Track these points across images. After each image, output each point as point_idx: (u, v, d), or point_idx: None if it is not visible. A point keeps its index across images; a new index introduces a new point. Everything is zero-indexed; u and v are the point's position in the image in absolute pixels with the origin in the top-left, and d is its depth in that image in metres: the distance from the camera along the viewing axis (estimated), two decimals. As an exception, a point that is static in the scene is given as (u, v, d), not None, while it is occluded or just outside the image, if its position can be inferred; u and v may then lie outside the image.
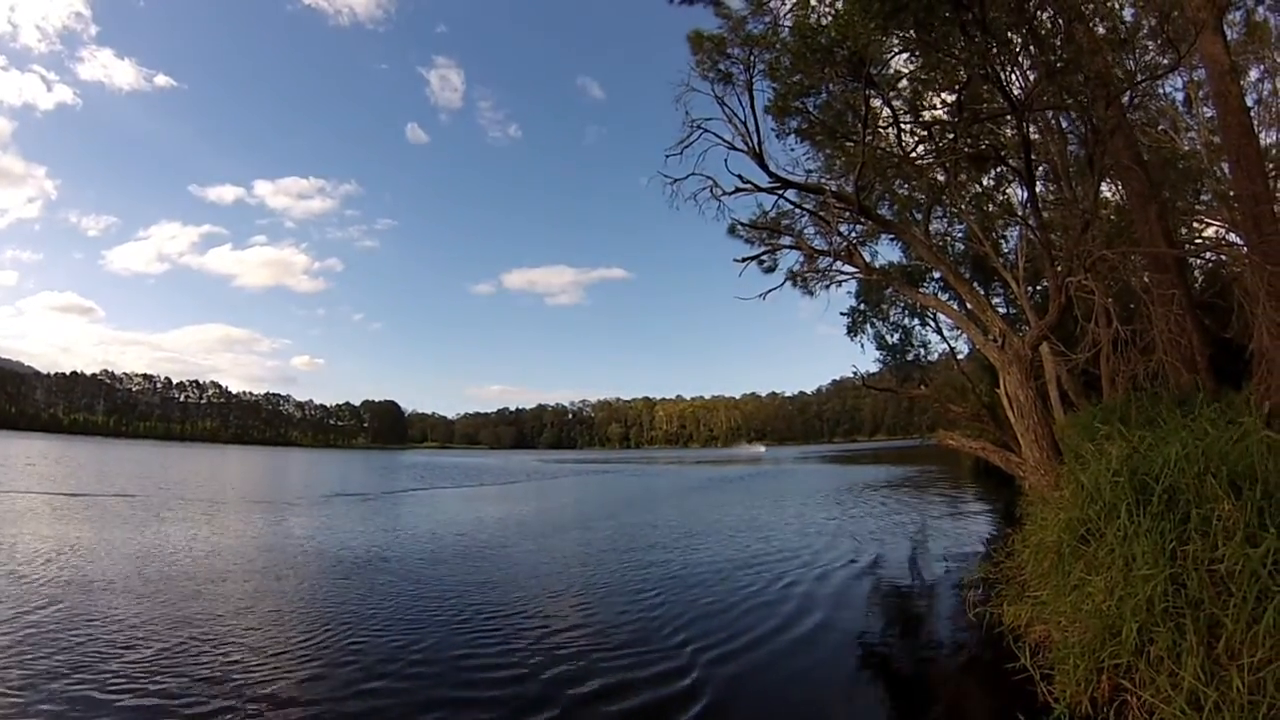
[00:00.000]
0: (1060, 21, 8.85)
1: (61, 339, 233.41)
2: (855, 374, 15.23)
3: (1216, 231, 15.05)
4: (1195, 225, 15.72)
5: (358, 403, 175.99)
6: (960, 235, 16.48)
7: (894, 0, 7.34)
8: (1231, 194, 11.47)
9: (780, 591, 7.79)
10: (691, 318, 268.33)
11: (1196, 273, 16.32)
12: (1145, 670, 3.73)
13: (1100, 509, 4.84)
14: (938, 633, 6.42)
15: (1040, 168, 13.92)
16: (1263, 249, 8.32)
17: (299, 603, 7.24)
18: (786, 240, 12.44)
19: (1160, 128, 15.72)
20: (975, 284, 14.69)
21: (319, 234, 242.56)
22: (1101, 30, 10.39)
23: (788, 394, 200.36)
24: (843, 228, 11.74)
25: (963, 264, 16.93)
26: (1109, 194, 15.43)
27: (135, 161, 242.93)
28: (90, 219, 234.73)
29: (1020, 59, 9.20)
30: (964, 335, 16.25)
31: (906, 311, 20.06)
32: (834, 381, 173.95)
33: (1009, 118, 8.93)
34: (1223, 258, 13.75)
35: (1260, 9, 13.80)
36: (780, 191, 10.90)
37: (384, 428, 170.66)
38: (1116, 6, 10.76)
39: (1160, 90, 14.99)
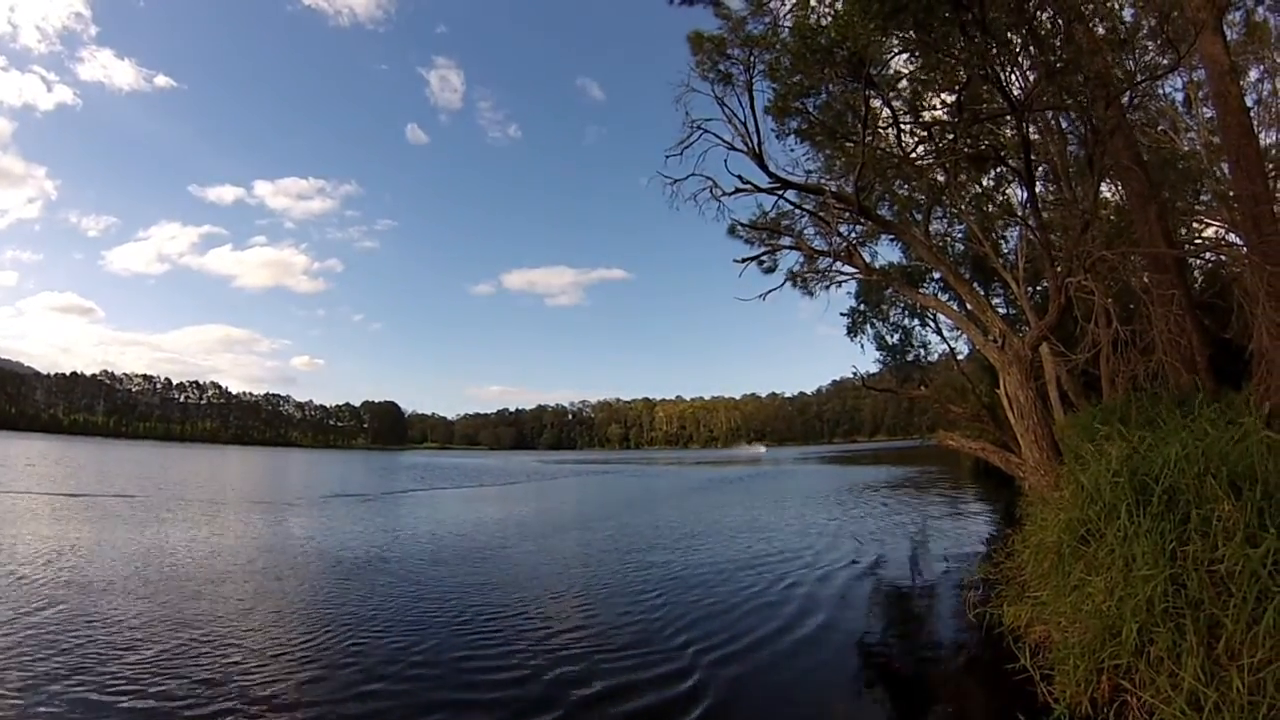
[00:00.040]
0: (1060, 22, 8.85)
1: (61, 339, 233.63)
2: (855, 374, 15.26)
3: (1216, 232, 15.04)
4: (1195, 225, 15.71)
5: (358, 403, 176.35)
6: (960, 236, 16.49)
7: (894, 1, 7.35)
8: (1231, 194, 11.47)
9: (782, 592, 7.79)
10: (691, 318, 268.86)
11: (1196, 273, 16.31)
12: (1145, 671, 3.73)
13: (1100, 509, 4.84)
14: (938, 633, 6.42)
15: (1040, 168, 13.90)
16: (1262, 249, 8.32)
17: (299, 604, 7.25)
18: (786, 241, 12.45)
19: (1160, 128, 15.72)
20: (975, 284, 14.71)
21: (319, 234, 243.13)
22: (1101, 30, 10.39)
23: (788, 394, 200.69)
24: (842, 228, 11.74)
25: (963, 264, 16.93)
26: (1109, 194, 15.43)
27: (135, 162, 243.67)
28: (90, 219, 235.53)
29: (1020, 59, 9.20)
30: (964, 336, 16.29)
31: (906, 312, 20.10)
32: (834, 382, 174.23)
33: (1009, 118, 8.93)
34: (1222, 258, 13.75)
35: (1260, 9, 13.81)
36: (780, 192, 10.91)
37: (384, 428, 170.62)
38: (1116, 7, 10.76)
39: (1160, 91, 14.99)
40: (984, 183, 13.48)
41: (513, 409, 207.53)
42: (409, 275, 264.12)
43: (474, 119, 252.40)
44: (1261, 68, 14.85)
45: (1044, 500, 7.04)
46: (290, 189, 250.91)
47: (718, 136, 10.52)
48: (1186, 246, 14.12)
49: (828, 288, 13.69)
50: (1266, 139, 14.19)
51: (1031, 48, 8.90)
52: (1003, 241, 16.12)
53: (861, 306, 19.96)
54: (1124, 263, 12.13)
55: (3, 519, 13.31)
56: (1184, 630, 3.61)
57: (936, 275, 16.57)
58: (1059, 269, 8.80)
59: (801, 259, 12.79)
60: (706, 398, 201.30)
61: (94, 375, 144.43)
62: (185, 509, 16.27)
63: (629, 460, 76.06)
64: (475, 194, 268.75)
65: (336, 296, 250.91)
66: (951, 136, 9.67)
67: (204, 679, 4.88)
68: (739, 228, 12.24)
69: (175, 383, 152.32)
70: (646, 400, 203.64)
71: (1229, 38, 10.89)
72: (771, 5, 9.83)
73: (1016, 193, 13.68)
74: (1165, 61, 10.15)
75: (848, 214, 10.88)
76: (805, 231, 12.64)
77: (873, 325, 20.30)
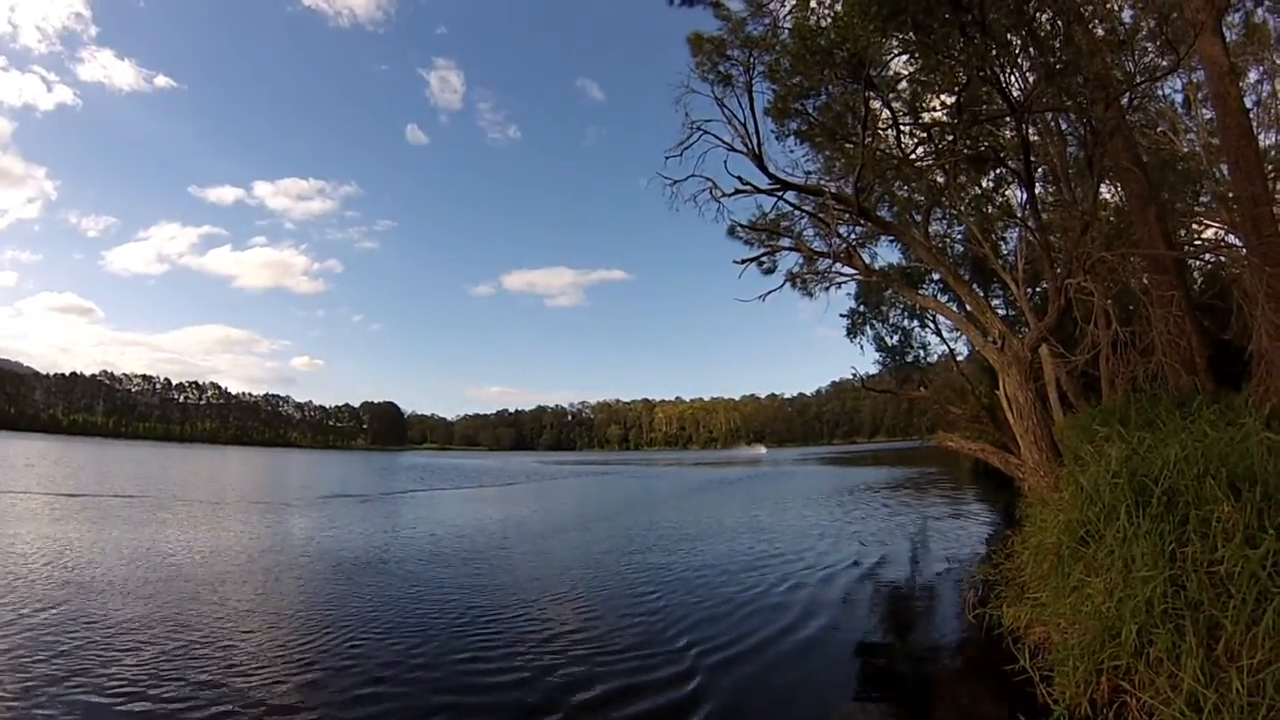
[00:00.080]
0: (1059, 23, 8.87)
1: (61, 339, 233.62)
2: (855, 376, 15.19)
3: (1215, 233, 15.05)
4: (1194, 227, 15.72)
5: (357, 404, 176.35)
6: (960, 237, 16.49)
7: (893, 2, 7.35)
8: (1230, 195, 11.48)
9: (783, 594, 7.79)
10: (691, 319, 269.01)
11: (1196, 274, 16.32)
12: (1145, 672, 3.73)
13: (1100, 511, 4.84)
14: (939, 634, 6.42)
15: (1039, 169, 13.92)
16: (1262, 250, 8.33)
17: (299, 605, 7.24)
18: (786, 242, 12.44)
19: (1159, 129, 15.73)
20: (975, 286, 14.71)
21: (319, 235, 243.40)
22: (1101, 32, 10.42)
23: (787, 396, 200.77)
24: (842, 229, 11.74)
25: (962, 266, 16.92)
26: (1108, 196, 15.43)
27: (135, 162, 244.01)
28: (90, 219, 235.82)
29: (1019, 61, 9.21)
30: (963, 337, 16.25)
31: (906, 313, 20.04)
32: (833, 383, 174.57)
33: (1008, 119, 8.94)
34: (1222, 259, 13.75)
35: (1259, 10, 13.83)
36: (780, 193, 10.91)
37: (383, 429, 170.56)
38: (1115, 8, 10.78)
39: (1159, 92, 15.00)
40: (983, 184, 13.48)
41: (512, 410, 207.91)
42: (409, 276, 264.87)
43: (474, 120, 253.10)
44: (1261, 69, 14.87)
45: (1043, 501, 7.04)
46: (290, 189, 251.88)
47: (717, 138, 10.53)
48: (1186, 248, 14.13)
49: (827, 289, 13.70)
50: (1266, 140, 14.21)
51: (1031, 49, 8.91)
52: (1002, 243, 16.14)
53: (861, 308, 19.92)
54: (1123, 264, 12.14)
55: (2, 519, 13.30)
56: (1183, 631, 3.60)
57: (936, 276, 16.55)
58: (1058, 270, 8.80)
59: (801, 260, 12.79)
60: (706, 399, 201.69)
61: (93, 375, 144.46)
62: (185, 509, 16.26)
63: (628, 461, 76.03)
64: (475, 195, 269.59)
65: (336, 297, 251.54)
66: (951, 138, 9.67)
67: (203, 681, 4.88)
68: (739, 229, 12.25)
69: (175, 383, 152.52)
70: (646, 401, 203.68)
71: (1228, 39, 10.89)
72: (771, 6, 9.86)
73: (1016, 194, 13.71)
74: (1165, 63, 10.16)
75: (847, 215, 10.88)
76: (805, 233, 12.64)
77: (872, 326, 20.26)
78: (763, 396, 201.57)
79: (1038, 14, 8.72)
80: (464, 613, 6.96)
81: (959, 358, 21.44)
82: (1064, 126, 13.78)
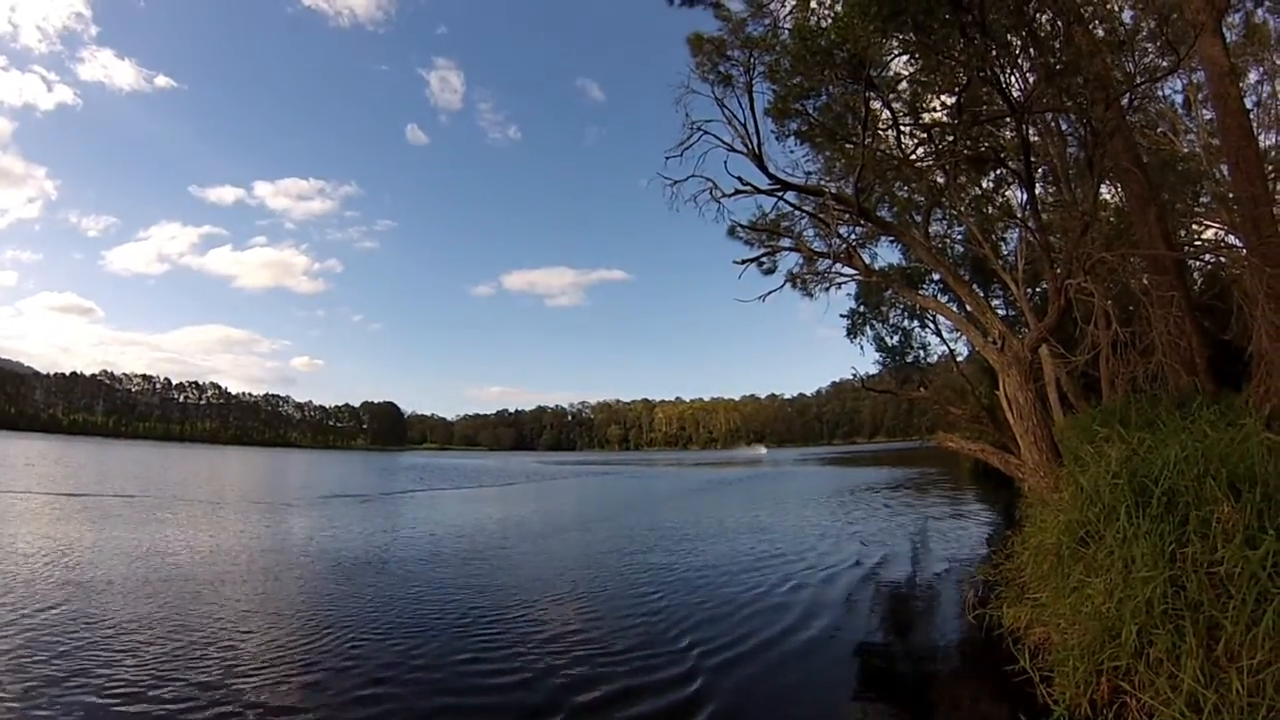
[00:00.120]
0: (1059, 24, 8.88)
1: (61, 339, 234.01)
2: (855, 376, 15.17)
3: (1216, 233, 15.06)
4: (1195, 227, 15.73)
5: (357, 404, 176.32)
6: (960, 237, 16.50)
7: (893, 2, 7.36)
8: (1231, 196, 11.48)
9: (784, 594, 7.79)
10: (691, 319, 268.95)
11: (1196, 275, 16.33)
12: (1145, 672, 3.73)
13: (1099, 511, 4.84)
14: (939, 635, 6.43)
15: (1040, 170, 13.92)
16: (1262, 251, 8.33)
17: (299, 605, 7.24)
18: (786, 242, 12.45)
19: (1159, 130, 15.74)
20: (975, 286, 14.71)
21: (319, 235, 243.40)
22: (1101, 32, 10.43)
23: (787, 396, 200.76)
24: (842, 230, 11.74)
25: (962, 266, 16.92)
26: (1108, 196, 15.45)
27: (135, 162, 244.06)
28: (90, 219, 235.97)
29: (1020, 61, 9.22)
30: (963, 337, 16.23)
31: (906, 314, 20.02)
32: (833, 383, 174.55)
33: (1008, 120, 8.94)
34: (1222, 260, 13.77)
35: (1259, 11, 13.84)
36: (780, 193, 10.91)
37: (383, 429, 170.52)
38: (1115, 9, 10.79)
39: (1159, 92, 15.02)
40: (984, 184, 13.49)
41: (512, 410, 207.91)
42: (409, 276, 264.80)
43: (474, 120, 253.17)
44: (1261, 70, 14.87)
45: (1043, 502, 7.04)
46: (290, 189, 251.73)
47: (717, 138, 10.53)
48: (1186, 248, 14.13)
49: (827, 289, 13.69)
50: (1266, 141, 14.20)
51: (1031, 50, 8.92)
52: (1002, 243, 16.15)
53: (861, 308, 19.90)
54: (1124, 265, 12.15)
55: (2, 519, 13.31)
56: (1183, 632, 3.61)
57: (936, 277, 16.54)
58: (1058, 271, 8.81)
59: (801, 260, 12.79)
60: (706, 399, 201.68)
61: (93, 375, 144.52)
62: (185, 509, 16.27)
63: (628, 461, 76.04)
64: (475, 195, 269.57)
65: (336, 297, 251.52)
66: (951, 138, 9.67)
67: (204, 682, 4.88)
68: (739, 229, 12.25)
69: (175, 383, 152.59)
70: (646, 401, 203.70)
71: (1228, 40, 10.90)
72: (771, 7, 9.87)
73: (1016, 194, 13.72)
74: (1165, 63, 10.18)
75: (847, 216, 10.89)
76: (805, 233, 12.64)
77: (872, 327, 20.24)
78: (763, 397, 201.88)
79: (1038, 14, 8.73)
80: (465, 613, 6.96)
81: (959, 358, 21.43)
82: (1064, 127, 13.79)
